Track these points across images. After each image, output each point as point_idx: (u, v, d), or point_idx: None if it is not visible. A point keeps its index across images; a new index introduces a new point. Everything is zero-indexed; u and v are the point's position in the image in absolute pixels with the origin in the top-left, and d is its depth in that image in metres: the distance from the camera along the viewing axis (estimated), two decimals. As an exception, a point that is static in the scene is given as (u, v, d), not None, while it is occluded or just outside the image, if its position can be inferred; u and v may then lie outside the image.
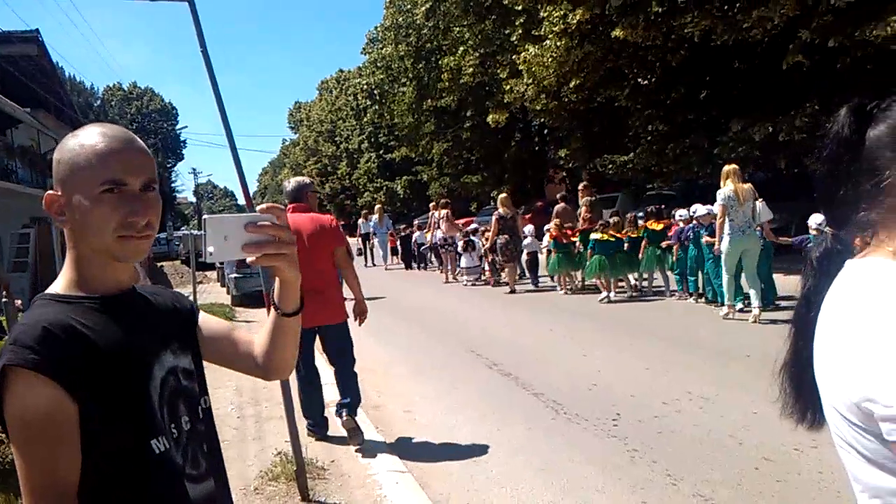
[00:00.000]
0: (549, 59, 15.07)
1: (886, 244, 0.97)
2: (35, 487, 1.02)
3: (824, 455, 3.77)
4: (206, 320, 1.38)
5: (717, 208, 7.87)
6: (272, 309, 1.32)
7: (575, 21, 13.69)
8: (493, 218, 12.35)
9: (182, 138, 64.45)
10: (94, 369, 1.06)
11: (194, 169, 71.42)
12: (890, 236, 0.96)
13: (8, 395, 1.02)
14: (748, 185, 7.74)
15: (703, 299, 9.22)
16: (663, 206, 11.66)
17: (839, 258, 1.02)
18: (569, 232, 11.43)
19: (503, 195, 12.90)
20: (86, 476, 1.05)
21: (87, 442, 1.04)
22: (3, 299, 3.41)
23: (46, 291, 1.17)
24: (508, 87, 18.30)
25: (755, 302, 7.58)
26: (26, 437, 1.02)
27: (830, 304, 0.99)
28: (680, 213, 9.47)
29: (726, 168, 7.91)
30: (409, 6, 27.76)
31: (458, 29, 24.58)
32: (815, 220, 7.33)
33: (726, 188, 7.64)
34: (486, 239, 12.95)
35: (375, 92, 35.17)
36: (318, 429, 4.90)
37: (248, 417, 5.58)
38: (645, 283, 10.67)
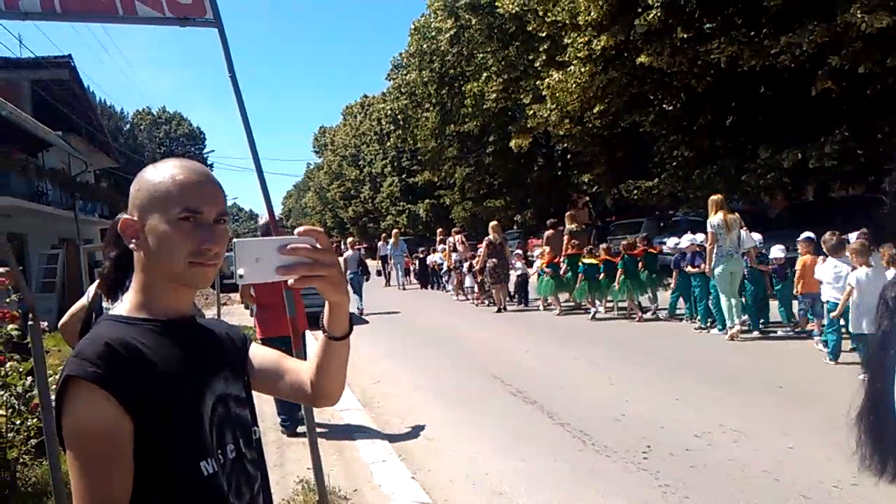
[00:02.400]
0: (573, 85, 15.10)
1: None
2: (87, 501, 1.03)
3: (866, 493, 3.61)
4: (255, 350, 1.40)
5: (707, 236, 8.48)
6: (322, 332, 1.30)
7: (599, 47, 13.72)
8: (484, 243, 13.45)
9: (209, 162, 65.54)
10: (151, 388, 1.09)
11: (220, 192, 72.30)
12: None
13: (67, 405, 1.05)
14: (735, 215, 8.37)
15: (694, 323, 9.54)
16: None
17: None
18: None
19: (494, 223, 13.87)
20: (136, 494, 1.06)
21: (139, 459, 1.06)
22: (29, 322, 3.36)
23: (111, 313, 1.22)
24: (532, 112, 18.36)
25: (737, 322, 8.26)
26: (82, 450, 1.04)
27: None
28: (685, 240, 9.72)
29: (713, 198, 8.51)
30: (433, 33, 28.10)
31: (481, 55, 24.80)
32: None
33: (716, 217, 8.24)
34: (477, 262, 14.02)
35: (399, 117, 35.53)
36: (291, 424, 5.52)
37: (269, 443, 5.52)
38: (624, 303, 11.13)
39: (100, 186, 29.12)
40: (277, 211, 5.31)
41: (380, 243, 24.61)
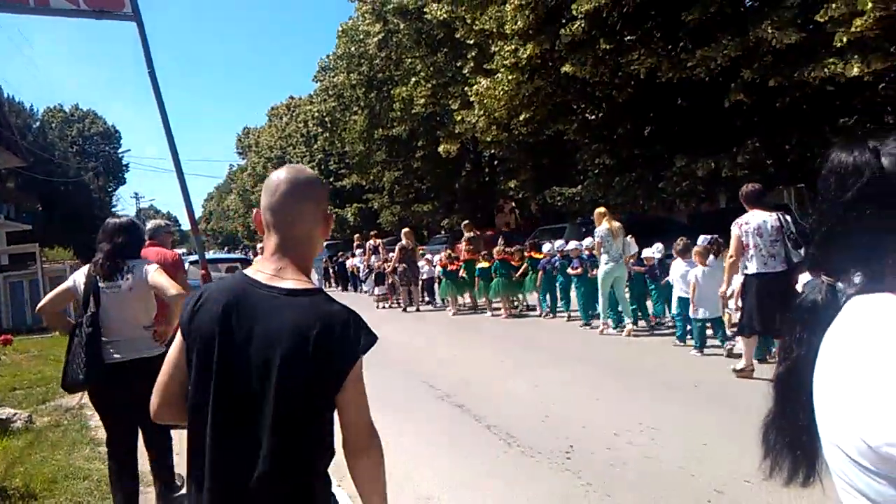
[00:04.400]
0: (500, 92, 15.33)
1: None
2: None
3: (776, 486, 3.79)
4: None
5: (595, 244, 9.59)
6: None
7: (525, 56, 13.99)
8: (397, 248, 14.53)
9: (125, 162, 62.74)
10: None
11: (136, 193, 69.54)
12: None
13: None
14: (619, 224, 9.37)
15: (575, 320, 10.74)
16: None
17: (831, 309, 0.97)
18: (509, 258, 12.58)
19: (407, 229, 15.13)
20: None
21: None
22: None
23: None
24: (460, 117, 18.52)
25: (628, 318, 9.23)
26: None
27: (837, 345, 0.93)
28: (556, 245, 11.38)
29: (598, 210, 9.56)
30: (361, 36, 27.94)
31: (410, 60, 24.84)
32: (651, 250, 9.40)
33: (602, 226, 9.23)
34: (388, 264, 15.17)
35: (326, 119, 35.10)
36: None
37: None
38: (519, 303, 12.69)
39: (6, 187, 27.41)
40: (198, 213, 5.17)
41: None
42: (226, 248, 67.18)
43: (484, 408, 6.11)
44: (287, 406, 1.47)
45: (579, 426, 5.37)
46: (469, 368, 8.10)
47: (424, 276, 14.86)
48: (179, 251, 9.88)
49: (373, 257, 17.23)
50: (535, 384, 6.91)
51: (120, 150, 62.14)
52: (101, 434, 4.85)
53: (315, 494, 1.56)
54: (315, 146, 42.94)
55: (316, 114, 38.97)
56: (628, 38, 12.93)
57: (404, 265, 14.08)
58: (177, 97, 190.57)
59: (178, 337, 1.61)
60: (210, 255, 19.92)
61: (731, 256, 6.50)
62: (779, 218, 6.25)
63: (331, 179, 42.72)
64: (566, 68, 13.21)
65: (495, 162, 27.39)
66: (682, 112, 14.11)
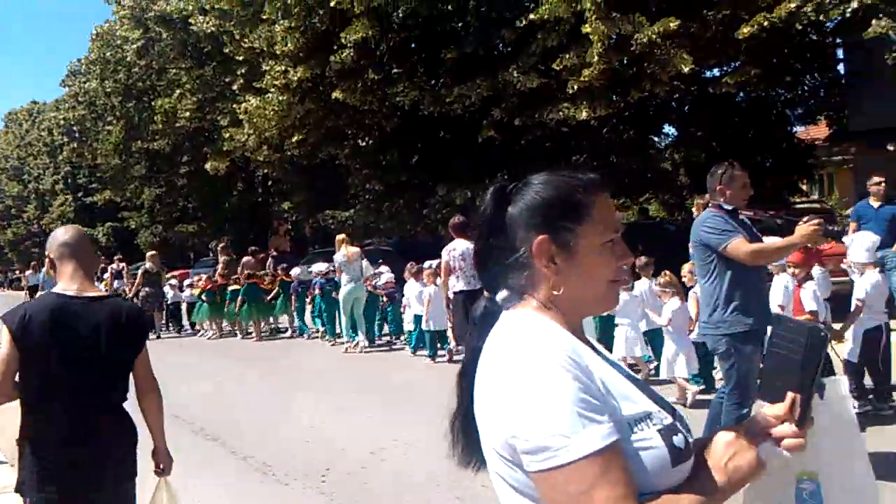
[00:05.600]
0: (271, 112, 15.08)
1: (531, 300, 1.15)
2: None
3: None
4: None
5: (336, 266, 10.47)
6: None
7: (296, 78, 13.94)
8: (140, 271, 14.34)
9: None
10: None
11: None
12: (532, 295, 1.15)
13: None
14: (356, 249, 10.46)
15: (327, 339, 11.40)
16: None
17: (494, 316, 1.19)
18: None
19: (152, 252, 15.24)
20: None
21: None
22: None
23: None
24: (228, 135, 17.83)
25: (361, 336, 10.10)
26: None
27: (485, 353, 1.14)
28: (298, 270, 12.51)
29: (338, 238, 10.53)
30: (119, 42, 25.62)
31: (174, 70, 23.42)
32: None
33: (340, 253, 10.13)
34: (130, 290, 14.77)
35: (75, 128, 31.46)
36: None
37: None
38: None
39: None
40: None
41: (28, 272, 22.94)
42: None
43: (240, 438, 5.95)
44: (112, 365, 2.53)
45: (338, 448, 5.47)
46: (224, 397, 7.82)
47: (169, 301, 14.81)
48: None
49: (115, 282, 16.08)
50: (292, 409, 6.90)
51: None
52: None
53: (124, 411, 2.62)
54: (61, 157, 38.23)
55: (63, 122, 34.76)
56: (395, 70, 13.54)
57: (148, 289, 13.82)
58: None
59: (7, 345, 2.34)
60: None
61: (441, 277, 7.84)
62: None
63: (79, 195, 38.43)
64: (336, 94, 13.41)
65: (269, 182, 26.74)
66: (444, 144, 15.05)
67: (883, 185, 8.15)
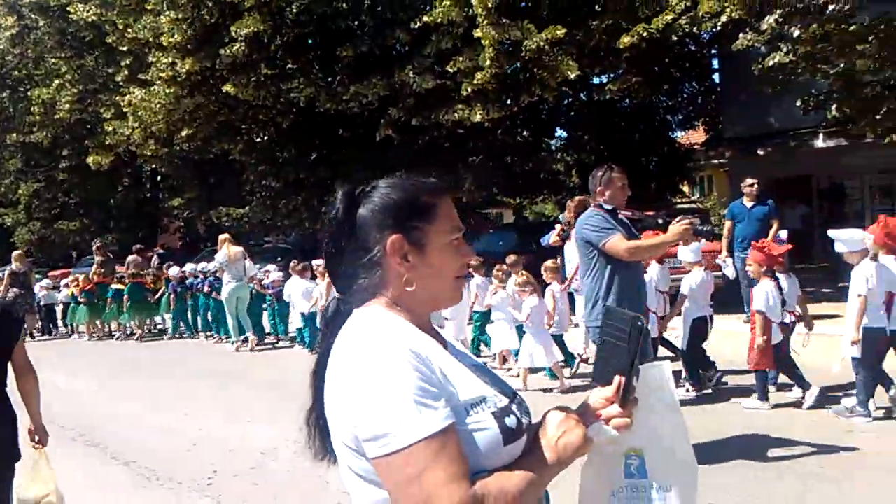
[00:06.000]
0: (158, 105, 14.41)
1: (381, 298, 1.23)
2: None
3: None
4: None
5: (218, 266, 10.49)
6: None
7: (184, 71, 13.40)
8: (6, 273, 13.69)
9: None
10: None
11: None
12: (383, 293, 1.23)
13: None
14: (239, 248, 10.43)
15: (211, 339, 11.48)
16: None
17: (344, 316, 1.25)
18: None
19: (17, 252, 14.44)
20: None
21: None
22: None
23: None
24: (112, 128, 16.89)
25: (250, 334, 10.13)
26: None
27: (334, 350, 1.21)
28: (190, 268, 12.21)
29: (221, 237, 10.55)
30: (-10, 28, 23.71)
31: (53, 60, 21.96)
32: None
33: (222, 252, 10.14)
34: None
35: (-63, 118, 28.81)
36: None
37: None
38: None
39: None
40: None
41: None
42: None
43: (123, 444, 5.76)
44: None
45: (226, 450, 5.41)
46: (105, 402, 7.52)
47: (42, 303, 14.43)
48: None
49: None
50: (180, 411, 6.73)
51: None
52: None
53: (5, 396, 2.91)
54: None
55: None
56: (289, 66, 13.29)
57: (16, 290, 13.21)
58: None
59: None
60: None
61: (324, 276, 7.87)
62: None
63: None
64: (227, 88, 12.99)
65: (158, 178, 25.54)
66: (343, 141, 14.91)
67: (755, 186, 8.95)
